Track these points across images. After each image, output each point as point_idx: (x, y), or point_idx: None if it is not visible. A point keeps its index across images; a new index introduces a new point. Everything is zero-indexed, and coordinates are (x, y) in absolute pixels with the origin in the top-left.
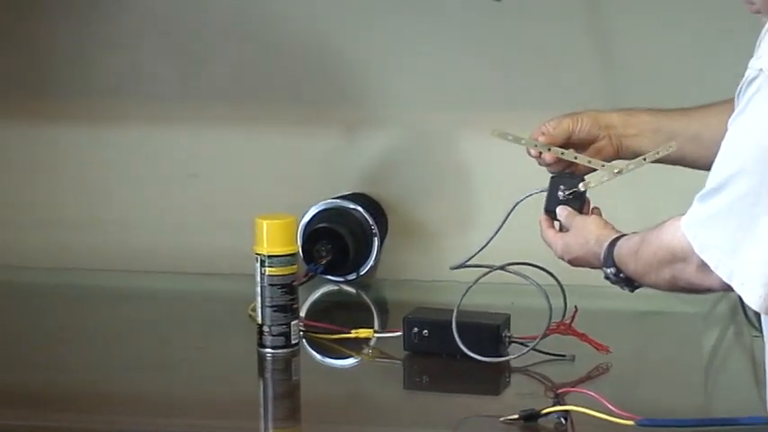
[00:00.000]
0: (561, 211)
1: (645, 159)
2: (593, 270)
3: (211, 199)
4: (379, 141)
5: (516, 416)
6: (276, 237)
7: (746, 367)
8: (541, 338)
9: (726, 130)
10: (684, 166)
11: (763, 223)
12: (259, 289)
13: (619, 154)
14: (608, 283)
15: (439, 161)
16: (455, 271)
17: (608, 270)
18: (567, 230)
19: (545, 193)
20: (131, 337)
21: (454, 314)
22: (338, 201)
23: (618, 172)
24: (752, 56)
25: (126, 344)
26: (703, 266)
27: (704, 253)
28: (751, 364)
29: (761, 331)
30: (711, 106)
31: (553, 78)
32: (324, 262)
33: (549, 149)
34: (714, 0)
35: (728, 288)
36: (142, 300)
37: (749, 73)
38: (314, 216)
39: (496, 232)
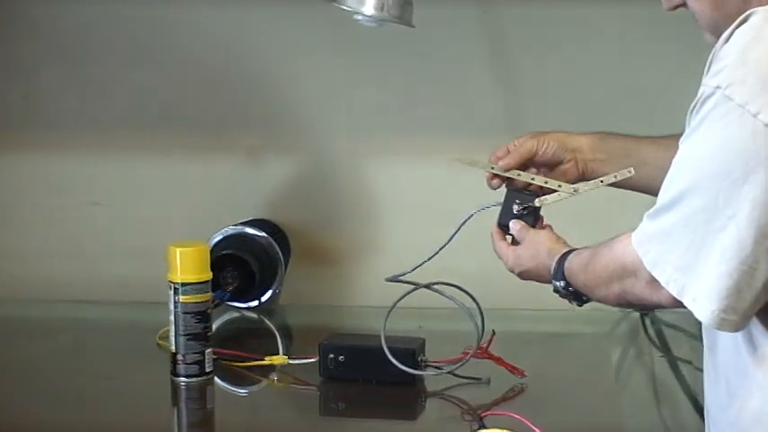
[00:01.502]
0: (514, 225)
1: (602, 182)
2: (504, 292)
3: (113, 227)
4: (282, 167)
5: None
6: (190, 264)
7: (651, 386)
8: (465, 361)
9: None
10: (649, 193)
11: (718, 239)
12: (173, 317)
13: (584, 177)
14: (517, 305)
15: (341, 187)
16: (359, 295)
17: (558, 283)
18: (519, 244)
19: (494, 207)
20: (37, 369)
21: (383, 335)
22: (242, 227)
23: (573, 192)
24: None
25: (32, 375)
26: (653, 282)
27: (655, 269)
28: (653, 383)
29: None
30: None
31: (455, 104)
32: (230, 289)
33: (507, 171)
34: (610, 32)
35: (678, 304)
36: (44, 330)
37: (704, 90)
38: (218, 243)
39: (442, 247)
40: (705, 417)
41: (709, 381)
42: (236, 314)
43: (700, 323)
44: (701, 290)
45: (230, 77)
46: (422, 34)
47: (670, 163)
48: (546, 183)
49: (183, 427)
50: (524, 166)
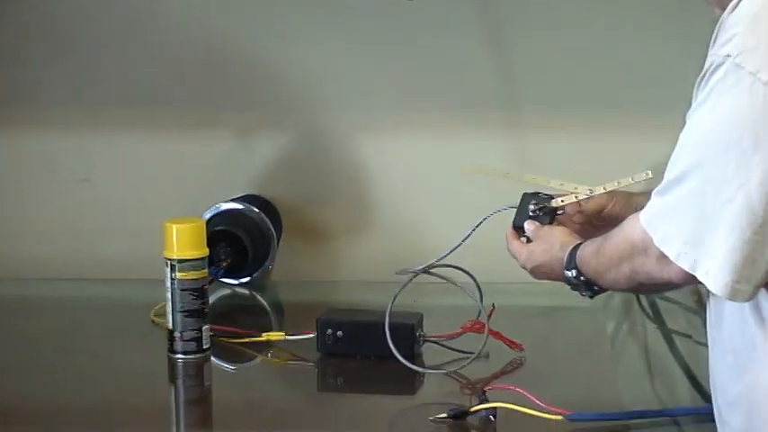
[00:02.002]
0: (529, 226)
1: (618, 183)
2: (497, 265)
3: (104, 204)
4: (273, 144)
5: (445, 414)
6: (187, 241)
7: (645, 358)
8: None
9: None
10: None
11: (728, 210)
12: (170, 294)
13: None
14: (509, 279)
15: (332, 164)
16: (350, 271)
17: (569, 273)
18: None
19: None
20: (32, 347)
21: (387, 314)
22: (234, 203)
23: (590, 192)
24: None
25: (28, 354)
26: (663, 258)
27: (664, 245)
28: (646, 354)
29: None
30: None
31: (450, 83)
32: (224, 265)
33: (522, 175)
34: (607, 13)
35: (690, 279)
36: (37, 308)
37: (713, 60)
38: (210, 219)
39: (456, 247)
40: (712, 391)
41: (714, 355)
42: (227, 291)
43: (697, 297)
44: (714, 263)
45: (222, 56)
46: (417, 12)
47: None
48: (561, 185)
49: (181, 404)
50: (594, 220)
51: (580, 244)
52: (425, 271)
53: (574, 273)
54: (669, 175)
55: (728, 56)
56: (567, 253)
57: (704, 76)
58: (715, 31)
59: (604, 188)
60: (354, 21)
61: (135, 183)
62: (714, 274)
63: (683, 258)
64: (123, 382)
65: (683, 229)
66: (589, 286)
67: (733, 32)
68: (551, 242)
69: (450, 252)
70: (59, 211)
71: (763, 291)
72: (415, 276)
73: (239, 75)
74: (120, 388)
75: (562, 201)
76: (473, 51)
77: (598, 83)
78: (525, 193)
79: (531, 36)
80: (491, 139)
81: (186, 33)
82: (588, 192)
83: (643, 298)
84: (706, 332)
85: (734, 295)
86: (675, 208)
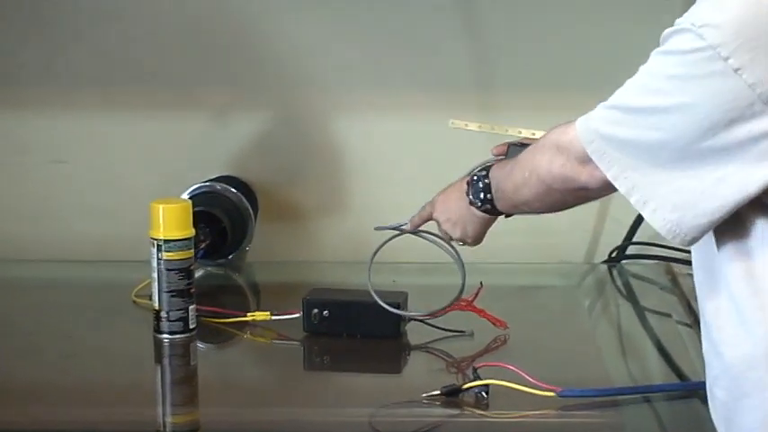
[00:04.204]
0: None
1: None
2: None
3: (79, 185)
4: (249, 124)
5: (438, 392)
6: (173, 221)
7: (618, 335)
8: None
9: None
10: None
11: (689, 160)
12: (156, 274)
13: None
14: (487, 259)
15: (309, 144)
16: (327, 252)
17: (473, 195)
18: None
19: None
20: (15, 329)
21: (369, 284)
22: (211, 184)
23: None
24: None
25: (11, 335)
26: (587, 163)
27: (601, 161)
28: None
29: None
30: None
31: (425, 61)
32: (203, 246)
33: (493, 128)
34: None
35: (606, 188)
36: (15, 290)
37: (676, 24)
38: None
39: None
40: (705, 364)
41: (704, 329)
42: (205, 271)
43: (672, 276)
44: (658, 198)
45: (197, 35)
46: None
47: None
48: (534, 135)
49: (168, 383)
50: None
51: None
52: (412, 232)
53: (480, 186)
54: (619, 96)
55: (693, 24)
56: (472, 174)
57: (670, 31)
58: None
59: None
60: (335, 2)
61: (110, 163)
62: (655, 209)
63: (621, 179)
64: (110, 363)
65: (631, 156)
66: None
67: (702, 7)
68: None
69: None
70: (33, 192)
71: (745, 267)
72: (399, 234)
73: (215, 55)
74: (106, 368)
75: None
76: (448, 33)
77: (572, 64)
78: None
79: (505, 17)
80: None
81: (161, 12)
82: None
83: (617, 277)
84: (682, 311)
85: (674, 237)
86: (624, 141)
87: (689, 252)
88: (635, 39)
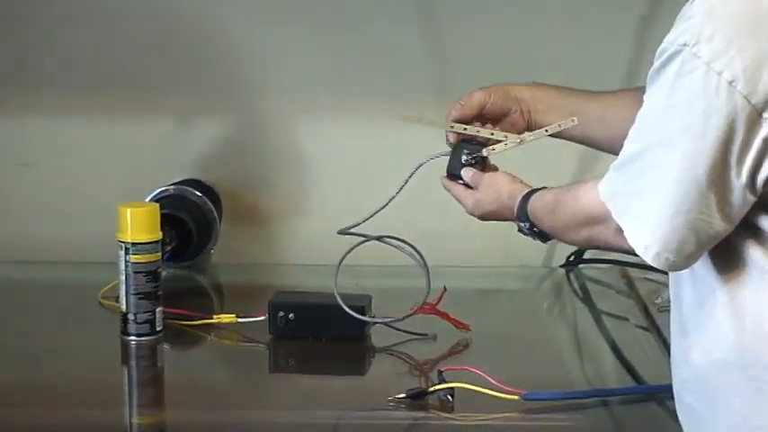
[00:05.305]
0: (467, 172)
1: (546, 131)
2: (434, 250)
3: (43, 188)
4: (212, 128)
5: (404, 394)
6: (141, 224)
7: (575, 337)
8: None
9: (635, 109)
10: (586, 145)
11: (675, 189)
12: (123, 276)
13: (529, 127)
14: (447, 263)
15: (271, 148)
16: (290, 254)
17: (522, 224)
18: (476, 189)
19: (443, 158)
20: None
21: (335, 289)
22: (176, 187)
23: (520, 142)
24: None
25: None
26: (621, 231)
27: (621, 220)
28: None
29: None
30: (617, 92)
31: (385, 69)
32: (169, 249)
33: (453, 127)
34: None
35: None
36: None
37: (667, 47)
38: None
39: (392, 198)
40: (672, 369)
41: (674, 332)
42: (170, 273)
43: (627, 281)
44: (655, 240)
45: (162, 40)
46: (355, 1)
47: (606, 116)
48: (492, 134)
49: (135, 385)
50: (476, 118)
51: (529, 194)
52: (377, 238)
53: (527, 225)
54: (625, 151)
55: (685, 45)
56: (518, 205)
57: (661, 61)
58: (678, 18)
59: (532, 136)
60: (294, 8)
61: (75, 167)
62: (653, 249)
63: (630, 233)
64: (76, 364)
65: (635, 205)
66: (543, 237)
67: (691, 23)
68: (498, 191)
69: (385, 205)
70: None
71: (713, 270)
72: (364, 241)
73: (180, 59)
74: (73, 369)
75: (493, 149)
76: (406, 42)
77: (529, 68)
78: (463, 142)
79: (463, 24)
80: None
81: (127, 17)
82: (518, 140)
83: (574, 280)
84: (638, 314)
85: (668, 266)
86: (630, 186)
87: None
88: (589, 51)
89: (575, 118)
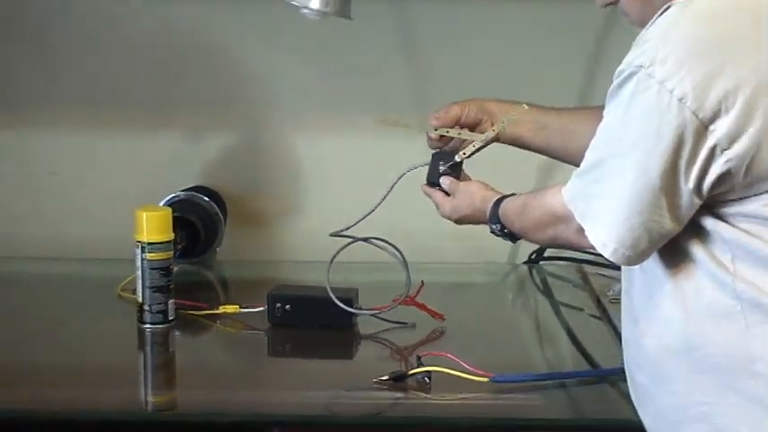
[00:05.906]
0: (445, 180)
1: (503, 123)
2: (409, 247)
3: (70, 194)
4: (219, 140)
5: (386, 377)
6: (155, 226)
7: (536, 325)
8: (394, 306)
9: (594, 124)
10: (549, 155)
11: (630, 193)
12: (140, 272)
13: (497, 137)
14: (421, 259)
15: (272, 158)
16: (287, 252)
17: (494, 226)
18: (453, 196)
19: (423, 168)
20: (11, 318)
21: (328, 285)
22: (186, 193)
23: (484, 139)
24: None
25: (8, 323)
26: (582, 230)
27: (583, 221)
28: (537, 322)
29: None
30: (578, 109)
31: (372, 87)
32: (180, 247)
33: (436, 129)
34: (517, 27)
35: None
36: (13, 283)
37: (624, 68)
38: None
39: (377, 205)
40: (624, 355)
41: (626, 321)
42: (181, 269)
43: (582, 275)
44: (613, 238)
45: (174, 63)
46: (347, 26)
47: (568, 129)
48: (459, 134)
49: (150, 367)
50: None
51: (500, 199)
52: (364, 239)
53: (498, 227)
54: (587, 160)
55: (641, 66)
56: (490, 209)
57: (619, 79)
58: (636, 41)
59: (493, 130)
60: (290, 35)
61: (97, 175)
62: (611, 247)
63: (592, 235)
64: (99, 348)
65: (595, 209)
66: (512, 237)
67: (647, 46)
68: (472, 198)
69: (372, 211)
70: (30, 198)
71: (663, 268)
72: (353, 242)
73: (189, 81)
74: (94, 353)
75: (463, 153)
76: (390, 61)
77: (506, 87)
78: (434, 153)
79: (438, 46)
80: (410, 137)
81: (146, 45)
82: (482, 139)
83: (536, 275)
84: (592, 305)
85: (624, 261)
86: (590, 191)
87: (600, 255)
88: (566, 74)
89: (525, 105)
